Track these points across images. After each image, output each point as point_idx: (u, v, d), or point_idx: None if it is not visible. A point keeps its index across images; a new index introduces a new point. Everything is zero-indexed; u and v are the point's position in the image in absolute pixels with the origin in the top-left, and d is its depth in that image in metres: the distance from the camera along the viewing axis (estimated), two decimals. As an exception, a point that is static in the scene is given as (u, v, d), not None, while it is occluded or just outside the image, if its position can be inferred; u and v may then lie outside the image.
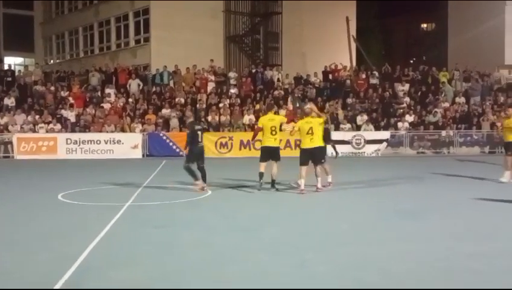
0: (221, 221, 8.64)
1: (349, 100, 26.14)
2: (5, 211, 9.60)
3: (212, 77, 26.98)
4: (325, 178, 12.19)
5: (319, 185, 11.86)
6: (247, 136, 22.91)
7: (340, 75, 28.21)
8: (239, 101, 25.52)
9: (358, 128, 24.20)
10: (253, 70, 28.80)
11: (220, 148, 22.77)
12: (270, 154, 12.11)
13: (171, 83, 27.07)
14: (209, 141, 22.66)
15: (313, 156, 11.74)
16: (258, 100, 25.72)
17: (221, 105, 25.08)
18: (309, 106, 12.97)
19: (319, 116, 12.14)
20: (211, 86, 26.54)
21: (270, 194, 11.69)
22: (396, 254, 6.38)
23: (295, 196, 11.54)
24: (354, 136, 23.35)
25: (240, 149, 22.73)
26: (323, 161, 12.07)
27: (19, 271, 5.65)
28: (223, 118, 24.31)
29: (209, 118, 24.14)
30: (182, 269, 5.77)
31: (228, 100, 25.53)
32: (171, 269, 5.77)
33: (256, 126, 12.41)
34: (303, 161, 11.68)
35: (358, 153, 23.11)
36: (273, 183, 12.09)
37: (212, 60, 27.87)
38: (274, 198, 11.26)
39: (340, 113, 24.83)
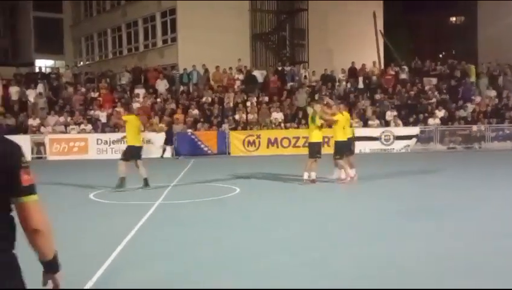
0: (246, 219, 8.68)
1: (377, 96, 25.92)
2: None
3: (240, 76, 27.07)
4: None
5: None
6: (275, 134, 22.96)
7: (368, 72, 27.93)
8: (266, 99, 25.53)
9: (387, 124, 23.98)
10: (280, 68, 28.78)
11: (248, 146, 22.82)
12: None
13: (199, 82, 27.27)
14: (236, 139, 22.82)
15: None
16: (285, 98, 25.70)
17: (248, 103, 25.14)
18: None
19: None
20: (238, 85, 26.65)
21: (294, 192, 11.71)
22: (416, 251, 6.29)
23: (320, 192, 11.52)
24: (383, 132, 23.14)
25: (268, 147, 22.76)
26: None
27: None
28: (250, 116, 24.36)
29: (237, 117, 24.24)
30: (208, 266, 5.82)
31: (255, 98, 25.56)
32: (198, 266, 5.83)
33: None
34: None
35: (387, 149, 22.89)
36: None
37: (239, 60, 27.93)
38: (299, 196, 11.26)
39: (369, 110, 24.63)
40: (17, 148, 2.38)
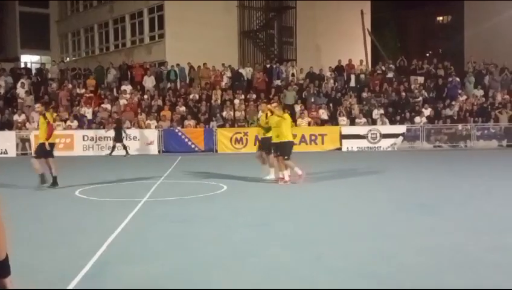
0: (235, 216, 8.65)
1: (364, 94, 26.02)
2: (22, 207, 9.70)
3: (228, 73, 27.04)
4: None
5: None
6: (262, 131, 22.91)
7: (355, 69, 28.04)
8: (254, 96, 25.52)
9: (373, 122, 24.09)
10: (268, 66, 28.80)
11: (235, 143, 22.80)
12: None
13: (186, 79, 27.21)
14: (224, 137, 22.79)
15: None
16: (273, 96, 25.70)
17: (236, 101, 25.11)
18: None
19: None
20: (225, 82, 26.63)
21: (284, 189, 11.71)
22: (414, 247, 6.31)
23: (309, 189, 11.54)
24: (370, 130, 23.25)
25: (255, 144, 22.67)
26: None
27: (35, 267, 5.68)
28: (237, 114, 24.33)
29: (224, 114, 24.21)
30: (197, 264, 5.78)
31: (243, 96, 25.54)
32: (186, 264, 5.79)
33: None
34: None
35: (374, 147, 23.01)
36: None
37: (223, 64, 27.70)
38: (288, 192, 11.26)
39: (356, 108, 24.72)
40: None
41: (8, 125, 23.25)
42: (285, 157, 12.28)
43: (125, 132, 21.65)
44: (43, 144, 12.07)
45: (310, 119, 24.00)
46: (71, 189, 11.75)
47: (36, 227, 7.95)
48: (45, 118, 12.20)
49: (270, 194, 11.19)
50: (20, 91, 25.34)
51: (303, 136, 22.91)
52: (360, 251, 6.21)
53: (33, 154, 12.09)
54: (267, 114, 13.04)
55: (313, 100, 25.37)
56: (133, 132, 22.76)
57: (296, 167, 12.34)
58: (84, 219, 8.57)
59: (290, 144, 12.52)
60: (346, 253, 6.14)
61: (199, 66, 27.21)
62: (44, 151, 12.04)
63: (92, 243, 6.59)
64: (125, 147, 21.35)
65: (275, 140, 12.52)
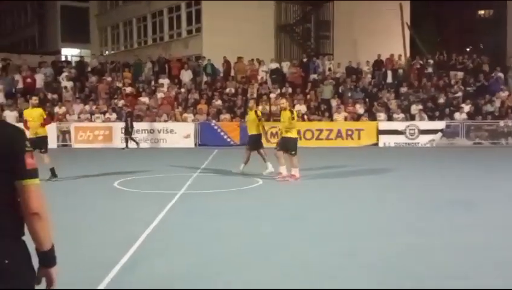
0: (269, 210, 8.67)
1: (402, 89, 25.63)
2: (62, 198, 9.90)
3: (264, 67, 27.01)
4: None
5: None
6: (298, 126, 22.75)
7: (393, 64, 27.65)
8: (290, 90, 25.44)
9: (412, 118, 23.70)
10: (304, 60, 28.65)
11: (271, 138, 22.70)
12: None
13: (221, 74, 27.33)
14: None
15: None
16: (309, 90, 25.59)
17: (272, 95, 25.07)
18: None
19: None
20: (261, 76, 26.62)
21: (316, 183, 11.65)
22: (448, 245, 6.21)
23: (340, 184, 11.45)
24: (408, 126, 22.89)
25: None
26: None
27: (73, 258, 5.76)
28: (273, 108, 24.28)
29: (260, 108, 24.21)
30: (231, 257, 5.81)
31: (279, 90, 25.49)
32: (221, 257, 5.82)
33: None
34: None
35: (412, 143, 22.64)
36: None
37: (257, 59, 27.67)
38: (319, 187, 11.19)
39: (393, 103, 24.37)
40: (21, 132, 2.42)
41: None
42: (292, 152, 11.99)
43: (133, 125, 21.77)
44: (46, 137, 12.05)
45: (346, 114, 23.79)
46: (110, 180, 11.94)
47: (74, 219, 8.08)
48: (44, 110, 12.41)
49: (302, 188, 11.14)
50: (64, 83, 25.85)
51: (339, 131, 22.76)
52: (392, 246, 6.14)
53: (42, 150, 11.66)
54: (255, 111, 13.39)
55: (349, 95, 25.13)
56: (169, 125, 23.02)
57: (284, 165, 12.09)
58: (122, 210, 8.71)
59: (293, 140, 12.20)
60: (377, 248, 6.07)
61: (239, 59, 27.21)
62: (43, 143, 11.88)
63: (129, 235, 6.68)
64: (127, 141, 21.51)
65: (283, 134, 12.44)
